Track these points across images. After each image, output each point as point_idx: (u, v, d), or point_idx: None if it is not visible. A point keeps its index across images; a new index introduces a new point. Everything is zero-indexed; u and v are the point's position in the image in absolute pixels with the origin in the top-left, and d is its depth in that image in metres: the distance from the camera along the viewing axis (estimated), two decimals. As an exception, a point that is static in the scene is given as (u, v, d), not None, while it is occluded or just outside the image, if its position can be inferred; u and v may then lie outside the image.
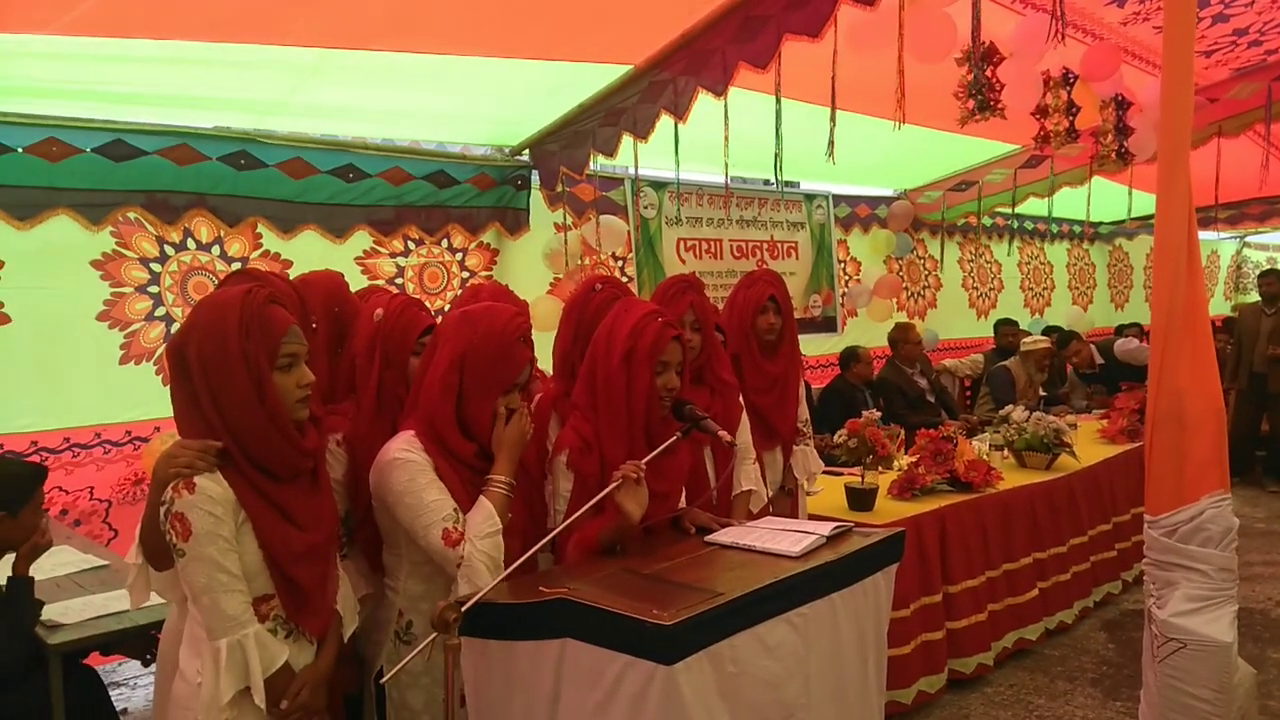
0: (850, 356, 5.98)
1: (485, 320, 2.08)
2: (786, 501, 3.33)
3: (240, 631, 1.73)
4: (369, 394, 2.25)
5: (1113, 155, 4.75)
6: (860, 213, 7.32)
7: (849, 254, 7.28)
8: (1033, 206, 7.04)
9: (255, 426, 1.73)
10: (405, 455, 2.00)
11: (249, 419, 1.73)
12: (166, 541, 1.71)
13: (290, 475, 1.82)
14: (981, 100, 3.56)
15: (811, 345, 6.67)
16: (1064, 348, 7.24)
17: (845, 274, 7.23)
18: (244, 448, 1.74)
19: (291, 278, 2.44)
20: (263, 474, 1.77)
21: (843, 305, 7.13)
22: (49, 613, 2.57)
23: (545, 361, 2.65)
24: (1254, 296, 12.20)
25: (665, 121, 4.08)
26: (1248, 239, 11.98)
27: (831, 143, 3.48)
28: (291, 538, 1.80)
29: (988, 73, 3.73)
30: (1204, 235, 10.39)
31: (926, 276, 7.96)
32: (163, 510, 1.70)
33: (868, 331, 6.99)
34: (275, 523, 1.78)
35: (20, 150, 3.63)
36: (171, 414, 1.80)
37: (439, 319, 2.28)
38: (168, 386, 1.92)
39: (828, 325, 7.02)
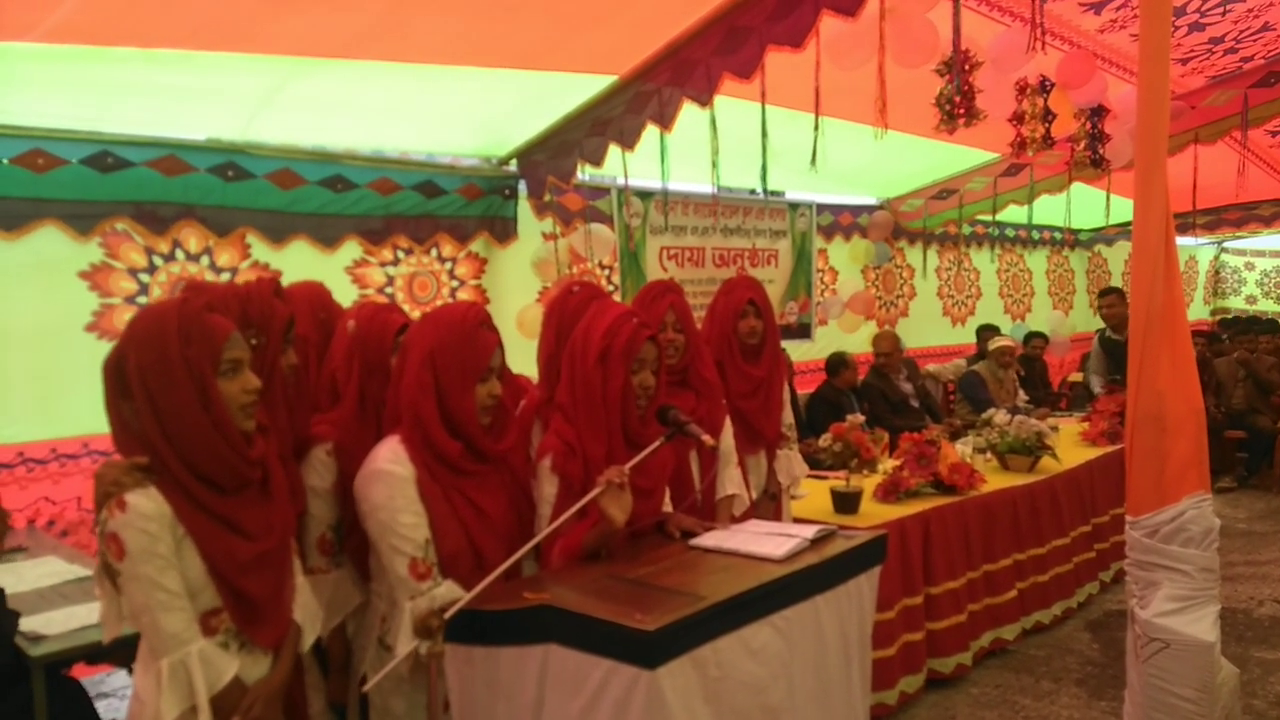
0: (839, 363, 6.01)
1: (445, 315, 2.13)
2: (770, 505, 3.35)
3: (182, 650, 1.67)
4: (350, 403, 2.27)
5: (1087, 161, 4.80)
6: (843, 221, 7.35)
7: (828, 263, 7.30)
8: (1013, 214, 7.08)
9: (199, 435, 1.68)
10: (389, 468, 2.00)
11: (193, 427, 1.67)
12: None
13: (236, 486, 1.76)
14: (949, 112, 3.59)
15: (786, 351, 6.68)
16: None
17: (823, 283, 7.24)
18: (187, 458, 1.68)
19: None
20: (205, 485, 1.71)
21: (816, 314, 7.15)
22: (32, 624, 2.53)
23: (532, 368, 2.67)
24: (1234, 300, 12.37)
25: (652, 130, 4.09)
26: (1226, 244, 12.09)
27: (815, 153, 3.51)
28: (237, 548, 1.74)
29: (967, 79, 3.77)
30: (1182, 241, 10.50)
31: (902, 285, 7.98)
32: (98, 532, 1.66)
33: (838, 340, 6.97)
34: (217, 534, 1.71)
35: (5, 162, 3.63)
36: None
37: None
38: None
39: (802, 332, 7.05)
